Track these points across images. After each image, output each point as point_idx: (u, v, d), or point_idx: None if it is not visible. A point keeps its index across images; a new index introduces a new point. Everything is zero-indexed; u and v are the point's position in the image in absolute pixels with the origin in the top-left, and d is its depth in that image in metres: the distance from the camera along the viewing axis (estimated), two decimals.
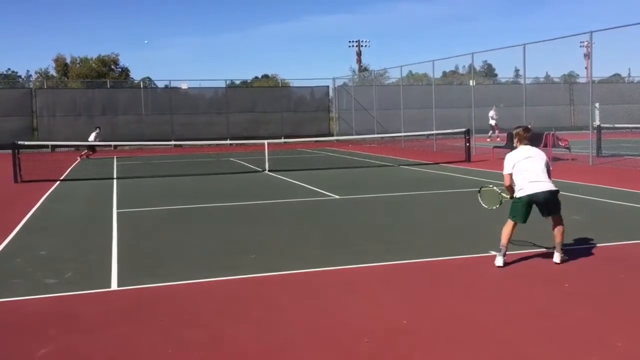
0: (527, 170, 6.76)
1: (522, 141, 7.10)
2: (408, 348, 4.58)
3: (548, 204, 6.75)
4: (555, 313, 5.26)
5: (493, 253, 7.27)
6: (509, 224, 6.83)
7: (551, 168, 6.98)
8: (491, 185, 7.86)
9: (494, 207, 7.48)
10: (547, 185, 6.73)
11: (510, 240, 6.80)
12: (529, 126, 7.17)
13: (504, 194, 7.26)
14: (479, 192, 7.84)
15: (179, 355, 4.53)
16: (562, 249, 6.81)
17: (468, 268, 6.81)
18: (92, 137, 26.49)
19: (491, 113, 31.04)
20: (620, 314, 5.21)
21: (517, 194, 6.81)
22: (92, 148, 26.25)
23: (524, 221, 6.81)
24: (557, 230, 6.80)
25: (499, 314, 5.28)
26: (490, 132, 30.91)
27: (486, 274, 6.52)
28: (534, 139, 19.68)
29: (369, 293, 5.94)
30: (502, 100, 33.17)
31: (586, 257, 7.08)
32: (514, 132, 7.21)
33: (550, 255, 6.89)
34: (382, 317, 5.23)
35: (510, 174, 6.88)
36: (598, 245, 7.61)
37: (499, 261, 6.72)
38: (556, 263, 6.71)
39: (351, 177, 16.64)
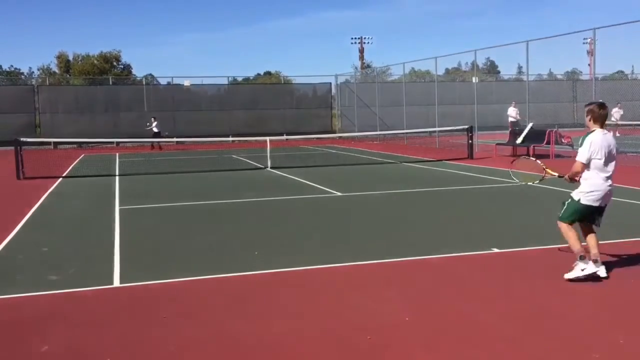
0: (604, 168, 5.79)
1: (597, 121, 5.85)
2: (410, 345, 4.58)
3: (602, 214, 6.00)
4: (557, 310, 5.25)
5: (496, 250, 7.26)
6: (565, 226, 5.96)
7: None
8: (533, 159, 7.01)
9: (530, 183, 6.77)
10: (611, 193, 5.94)
11: (580, 240, 5.97)
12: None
13: (549, 170, 6.34)
14: (513, 162, 7.01)
15: (182, 352, 4.53)
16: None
17: (471, 265, 6.79)
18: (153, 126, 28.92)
19: (510, 110, 29.91)
20: (623, 311, 5.20)
21: (582, 198, 5.85)
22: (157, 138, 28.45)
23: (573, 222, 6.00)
24: (596, 240, 6.03)
25: (501, 311, 5.27)
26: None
27: (489, 271, 6.50)
28: (538, 136, 19.81)
29: (371, 290, 5.93)
30: (506, 98, 33.00)
31: None
32: (587, 109, 5.94)
33: (553, 253, 6.86)
34: (385, 314, 5.22)
35: (584, 164, 5.82)
36: (601, 242, 7.56)
37: (590, 268, 5.80)
38: (605, 278, 5.90)
39: (353, 174, 16.63)
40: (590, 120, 5.88)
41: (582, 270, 5.79)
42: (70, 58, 53.74)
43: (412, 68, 40.45)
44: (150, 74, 44.44)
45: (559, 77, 44.08)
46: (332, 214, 10.50)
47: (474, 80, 26.49)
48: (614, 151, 5.87)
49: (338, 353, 4.45)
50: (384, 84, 36.65)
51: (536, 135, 20.06)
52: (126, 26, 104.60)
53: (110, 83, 38.77)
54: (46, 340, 4.80)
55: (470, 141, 20.39)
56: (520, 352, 4.41)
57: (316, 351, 4.51)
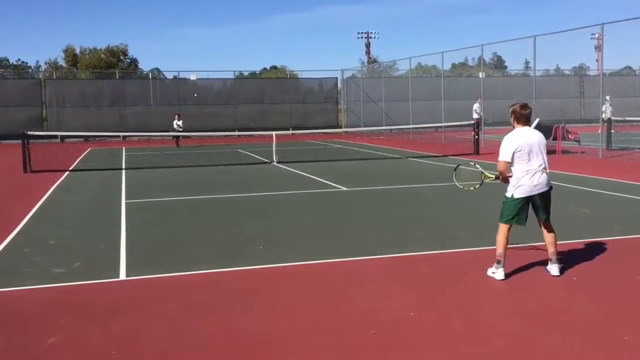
0: (528, 161, 5.84)
1: (519, 121, 6.00)
2: (415, 340, 4.58)
3: (546, 205, 6.00)
4: (562, 306, 5.24)
5: None
6: (503, 228, 5.98)
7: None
8: (472, 163, 7.24)
9: (472, 189, 6.88)
10: (546, 182, 5.93)
11: (506, 248, 5.96)
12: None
13: (487, 173, 6.60)
14: (455, 170, 7.23)
15: (187, 344, 4.55)
16: (558, 258, 6.05)
17: (475, 261, 6.78)
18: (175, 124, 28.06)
19: (475, 106, 30.14)
20: (628, 307, 5.19)
21: (514, 192, 5.93)
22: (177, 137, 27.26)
23: (525, 222, 6.00)
24: (551, 238, 6.08)
25: (506, 307, 5.27)
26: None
27: None
28: (544, 132, 19.70)
29: (376, 285, 5.94)
30: (513, 93, 32.86)
31: (594, 251, 7.04)
32: (510, 109, 6.08)
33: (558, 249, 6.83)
34: (389, 309, 5.23)
35: (508, 162, 5.94)
36: (607, 238, 7.57)
37: (500, 274, 5.93)
38: (556, 276, 5.97)
39: (359, 169, 16.63)
40: (514, 120, 6.06)
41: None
42: (78, 52, 53.80)
43: (419, 63, 40.33)
44: (157, 68, 44.48)
45: (566, 72, 43.86)
46: (338, 208, 10.50)
47: (480, 76, 26.39)
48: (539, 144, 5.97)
49: (342, 348, 4.46)
50: (390, 79, 36.59)
51: (543, 131, 19.80)
52: (133, 20, 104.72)
53: (117, 77, 38.81)
54: (52, 332, 4.83)
55: (476, 136, 20.35)
56: (524, 348, 4.41)
57: (320, 346, 4.52)
